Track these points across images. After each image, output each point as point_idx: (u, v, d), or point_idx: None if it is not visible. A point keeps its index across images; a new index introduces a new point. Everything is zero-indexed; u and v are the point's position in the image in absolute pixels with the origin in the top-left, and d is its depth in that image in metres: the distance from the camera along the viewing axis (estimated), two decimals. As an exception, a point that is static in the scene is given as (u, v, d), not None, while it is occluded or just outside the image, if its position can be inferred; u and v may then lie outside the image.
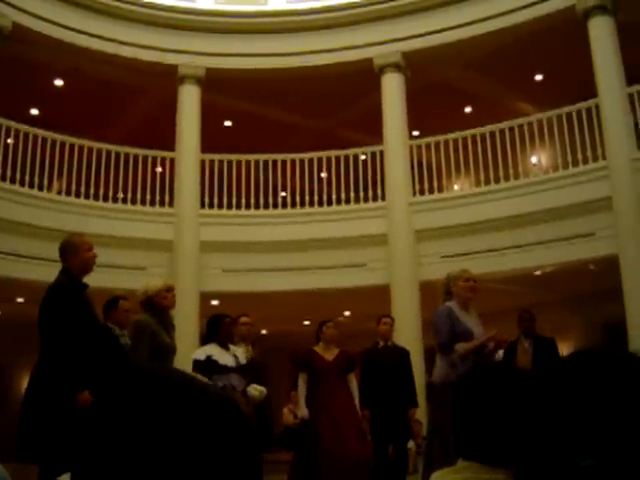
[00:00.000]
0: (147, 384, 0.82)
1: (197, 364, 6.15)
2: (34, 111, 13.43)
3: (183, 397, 0.81)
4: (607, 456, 1.14)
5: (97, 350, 4.67)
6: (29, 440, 4.52)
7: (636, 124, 10.16)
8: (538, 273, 11.37)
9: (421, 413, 8.54)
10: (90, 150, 11.50)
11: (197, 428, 0.79)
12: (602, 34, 10.42)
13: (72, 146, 11.35)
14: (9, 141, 10.86)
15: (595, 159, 10.42)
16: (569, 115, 10.89)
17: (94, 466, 0.78)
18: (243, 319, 7.52)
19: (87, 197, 11.24)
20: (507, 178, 11.16)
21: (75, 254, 4.91)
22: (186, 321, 10.16)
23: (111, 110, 13.38)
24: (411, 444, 8.15)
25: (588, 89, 10.53)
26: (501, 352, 6.13)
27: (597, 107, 10.44)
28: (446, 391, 4.84)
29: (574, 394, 1.22)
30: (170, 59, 12.05)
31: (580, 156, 10.56)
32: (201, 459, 0.77)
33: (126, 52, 11.79)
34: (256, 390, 6.38)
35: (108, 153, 11.66)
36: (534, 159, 12.35)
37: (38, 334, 4.72)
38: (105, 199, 11.43)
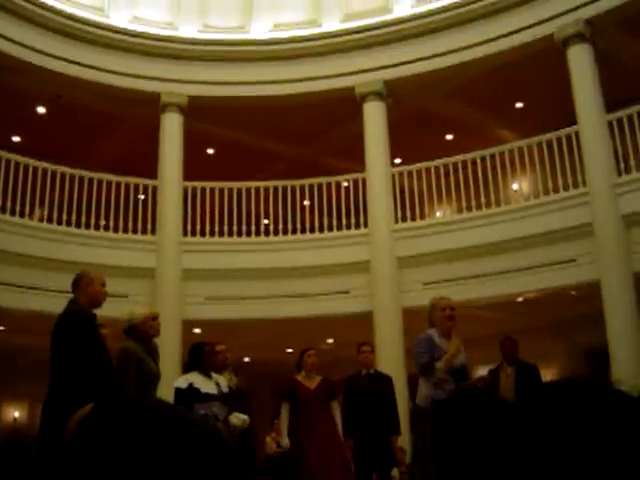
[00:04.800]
0: (132, 414, 0.81)
1: (179, 392, 6.11)
2: (16, 138, 13.39)
3: (168, 428, 0.80)
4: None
5: (106, 380, 4.71)
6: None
7: (615, 151, 10.26)
8: (520, 299, 11.40)
9: (405, 440, 8.50)
10: (72, 177, 11.45)
11: (182, 458, 0.78)
12: (581, 62, 10.55)
13: (54, 173, 11.32)
14: (-10, 168, 10.82)
15: (576, 186, 10.49)
16: (549, 142, 10.98)
17: None
18: (219, 347, 7.53)
19: (69, 224, 11.17)
20: (489, 205, 11.20)
21: (90, 285, 5.08)
22: (168, 349, 10.03)
23: (93, 137, 13.36)
24: (395, 472, 8.09)
25: (568, 116, 10.64)
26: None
27: (577, 134, 10.55)
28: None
29: (555, 424, 1.22)
30: (152, 87, 12.07)
31: (561, 183, 10.64)
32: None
33: (108, 80, 11.79)
34: (238, 419, 6.34)
35: (90, 180, 11.61)
36: (515, 186, 12.43)
37: (49, 364, 4.73)
38: (87, 226, 11.35)
